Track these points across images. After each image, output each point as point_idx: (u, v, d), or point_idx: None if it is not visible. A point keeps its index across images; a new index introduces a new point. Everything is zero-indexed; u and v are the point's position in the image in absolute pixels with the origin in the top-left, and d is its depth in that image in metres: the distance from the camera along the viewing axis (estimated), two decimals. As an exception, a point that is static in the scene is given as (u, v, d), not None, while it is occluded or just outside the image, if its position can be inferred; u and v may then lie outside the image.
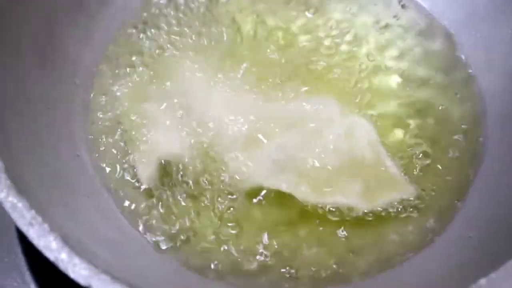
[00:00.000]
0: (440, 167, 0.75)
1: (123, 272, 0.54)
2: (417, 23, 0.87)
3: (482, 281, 0.52)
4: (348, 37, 0.85)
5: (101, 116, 0.78)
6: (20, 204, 0.53)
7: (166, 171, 0.73)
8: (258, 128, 0.75)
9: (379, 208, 0.71)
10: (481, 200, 0.72)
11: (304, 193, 0.71)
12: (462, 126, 0.79)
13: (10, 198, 0.54)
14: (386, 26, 0.87)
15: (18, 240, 0.74)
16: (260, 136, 0.75)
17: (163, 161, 0.74)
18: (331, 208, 0.71)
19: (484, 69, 0.82)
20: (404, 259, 0.70)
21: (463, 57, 0.84)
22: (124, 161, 0.75)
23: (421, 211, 0.72)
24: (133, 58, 0.82)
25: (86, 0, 0.79)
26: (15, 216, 0.53)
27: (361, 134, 0.75)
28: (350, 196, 0.71)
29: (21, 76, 0.67)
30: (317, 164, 0.73)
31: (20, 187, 0.54)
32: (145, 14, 0.86)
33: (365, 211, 0.71)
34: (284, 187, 0.72)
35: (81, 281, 0.50)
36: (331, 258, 0.69)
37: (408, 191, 0.73)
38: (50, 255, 0.51)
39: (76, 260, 0.51)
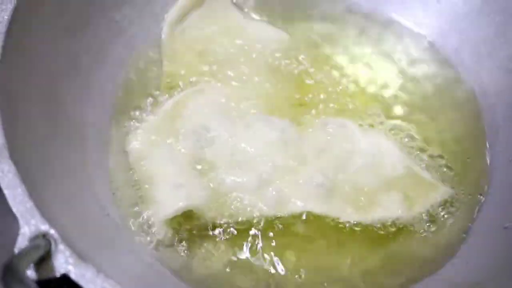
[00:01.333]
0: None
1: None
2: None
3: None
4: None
5: (118, 172, 0.77)
6: (88, 273, 0.53)
7: (196, 217, 0.73)
8: (292, 156, 0.76)
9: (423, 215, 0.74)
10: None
11: (349, 214, 0.73)
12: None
13: (76, 268, 0.53)
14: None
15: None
16: (296, 163, 0.75)
17: (192, 208, 0.73)
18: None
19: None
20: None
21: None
22: (145, 216, 0.74)
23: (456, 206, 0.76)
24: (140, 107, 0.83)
25: (80, 61, 0.79)
26: (84, 283, 0.53)
27: (385, 149, 0.78)
28: (393, 209, 0.73)
29: (39, 147, 0.66)
30: (355, 184, 0.75)
31: (79, 255, 0.54)
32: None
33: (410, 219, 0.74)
34: (329, 210, 0.73)
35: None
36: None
37: (444, 192, 0.76)
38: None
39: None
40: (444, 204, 0.76)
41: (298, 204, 0.73)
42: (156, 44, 0.88)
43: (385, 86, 0.87)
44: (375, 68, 0.89)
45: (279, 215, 0.73)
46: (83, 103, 0.78)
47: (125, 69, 0.85)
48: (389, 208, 0.73)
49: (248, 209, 0.73)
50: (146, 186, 0.75)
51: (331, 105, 0.83)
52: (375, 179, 0.75)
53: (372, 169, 0.76)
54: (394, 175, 0.76)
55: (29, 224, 0.54)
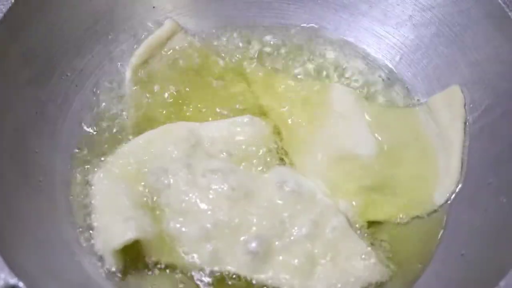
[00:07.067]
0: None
1: None
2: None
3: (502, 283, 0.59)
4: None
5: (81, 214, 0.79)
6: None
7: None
8: (237, 214, 0.77)
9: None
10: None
11: (279, 282, 0.73)
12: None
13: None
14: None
15: None
16: (238, 223, 0.76)
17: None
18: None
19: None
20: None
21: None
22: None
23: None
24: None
25: (46, 110, 0.82)
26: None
27: (331, 219, 0.78)
28: (325, 282, 0.73)
29: (8, 199, 0.69)
30: (291, 253, 0.75)
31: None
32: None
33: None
34: (257, 277, 0.74)
35: None
36: None
37: (379, 275, 0.75)
38: None
39: None
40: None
41: (230, 265, 0.74)
42: (119, 89, 0.91)
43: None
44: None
45: (213, 270, 0.74)
46: (51, 151, 0.80)
47: (90, 114, 0.87)
48: (323, 281, 0.74)
49: (186, 256, 0.75)
50: (99, 217, 0.77)
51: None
52: (314, 249, 0.75)
53: (313, 239, 0.76)
54: (333, 246, 0.76)
55: (-1, 279, 0.56)
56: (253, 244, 0.74)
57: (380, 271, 0.75)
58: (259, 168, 0.82)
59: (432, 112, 0.88)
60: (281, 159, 0.84)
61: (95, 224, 0.76)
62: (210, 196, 0.78)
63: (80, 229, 0.77)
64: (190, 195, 0.78)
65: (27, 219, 0.70)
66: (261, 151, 0.84)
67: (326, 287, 0.73)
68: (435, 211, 0.81)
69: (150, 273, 0.74)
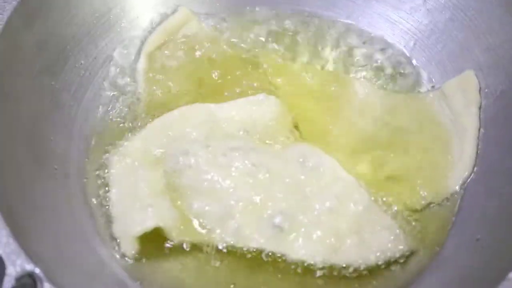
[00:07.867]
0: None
1: None
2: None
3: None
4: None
5: (98, 203, 0.79)
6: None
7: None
8: (259, 191, 0.77)
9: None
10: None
11: (302, 255, 0.73)
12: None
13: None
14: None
15: None
16: (261, 199, 0.76)
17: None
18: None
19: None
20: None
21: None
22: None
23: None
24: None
25: (61, 98, 0.82)
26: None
27: (353, 194, 0.78)
28: (350, 254, 0.74)
29: (24, 187, 0.69)
30: (314, 226, 0.75)
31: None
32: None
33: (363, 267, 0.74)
34: (284, 250, 0.74)
35: None
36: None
37: (401, 247, 0.75)
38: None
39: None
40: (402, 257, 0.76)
41: (254, 240, 0.74)
42: (133, 76, 0.91)
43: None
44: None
45: (237, 246, 0.74)
46: (65, 139, 0.81)
47: (104, 102, 0.88)
48: (346, 254, 0.74)
49: (209, 234, 0.75)
50: (116, 204, 0.77)
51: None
52: (337, 222, 0.75)
53: (336, 213, 0.76)
54: (356, 221, 0.76)
55: (15, 265, 0.57)
56: (278, 219, 0.74)
57: (404, 243, 0.75)
58: (279, 145, 0.82)
59: (447, 97, 0.87)
60: (299, 136, 0.84)
61: (112, 210, 0.77)
62: (232, 174, 0.78)
63: (95, 216, 0.77)
64: (212, 174, 0.78)
65: (42, 206, 0.70)
66: (278, 128, 0.84)
67: (351, 259, 0.73)
68: (449, 197, 0.80)
69: (164, 256, 0.75)
